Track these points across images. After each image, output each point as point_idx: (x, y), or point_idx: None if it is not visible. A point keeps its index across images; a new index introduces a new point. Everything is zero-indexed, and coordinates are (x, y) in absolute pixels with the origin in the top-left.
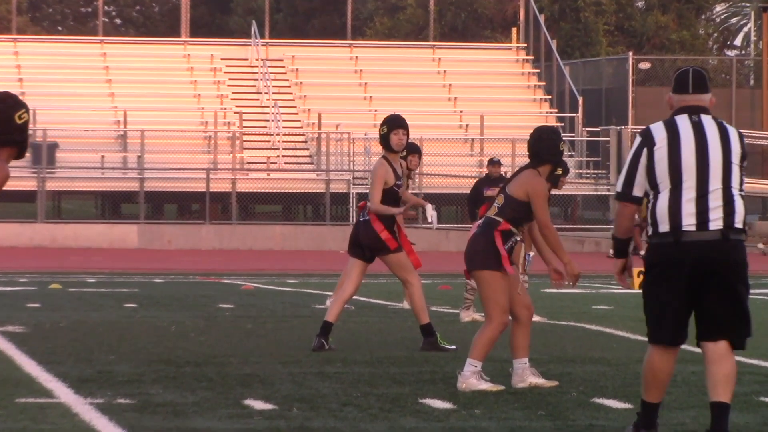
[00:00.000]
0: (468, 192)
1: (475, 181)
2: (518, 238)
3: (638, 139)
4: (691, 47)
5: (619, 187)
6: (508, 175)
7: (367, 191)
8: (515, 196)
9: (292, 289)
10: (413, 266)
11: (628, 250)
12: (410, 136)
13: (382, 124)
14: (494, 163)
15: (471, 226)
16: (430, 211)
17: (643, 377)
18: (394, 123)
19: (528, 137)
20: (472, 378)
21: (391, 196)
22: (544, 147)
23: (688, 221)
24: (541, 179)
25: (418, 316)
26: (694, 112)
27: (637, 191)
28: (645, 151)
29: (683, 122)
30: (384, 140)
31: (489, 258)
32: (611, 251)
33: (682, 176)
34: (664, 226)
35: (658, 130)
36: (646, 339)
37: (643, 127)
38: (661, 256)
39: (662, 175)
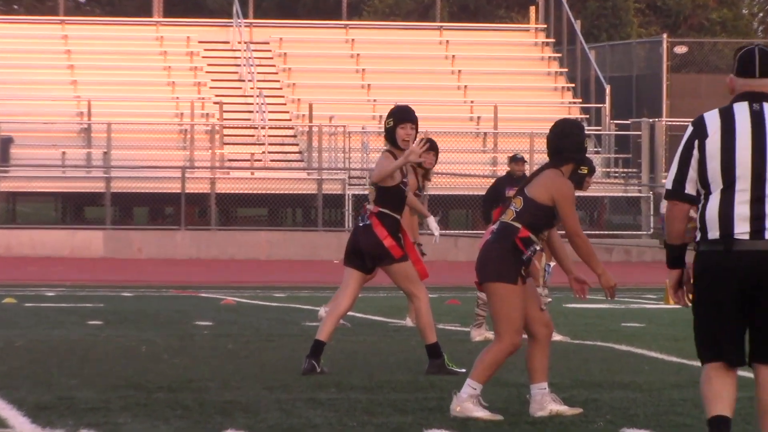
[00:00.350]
0: (483, 192)
1: (493, 180)
2: (538, 247)
3: (689, 129)
4: (733, 28)
5: (668, 184)
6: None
7: (366, 192)
8: (537, 199)
9: (279, 304)
10: (420, 277)
11: (684, 258)
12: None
13: (388, 117)
14: (517, 160)
15: (483, 232)
16: (434, 224)
17: (703, 396)
18: (402, 116)
19: (548, 132)
20: (468, 402)
21: (395, 195)
22: (567, 143)
23: (741, 228)
24: (567, 180)
25: (424, 335)
26: (757, 99)
27: (690, 188)
28: (696, 143)
29: (741, 111)
30: (389, 134)
31: (503, 268)
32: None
33: (736, 175)
34: (713, 233)
35: (712, 120)
36: (682, 360)
37: (679, 119)
38: (710, 266)
39: (714, 173)
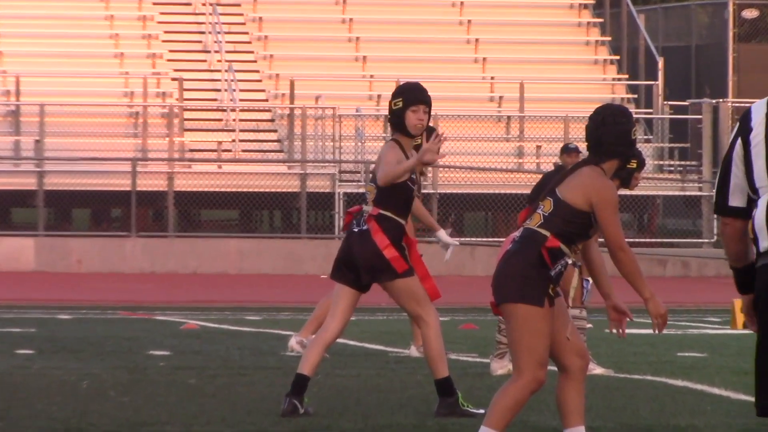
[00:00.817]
0: (505, 190)
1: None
2: (569, 261)
3: (736, 126)
4: None
5: (714, 197)
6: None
7: (361, 190)
8: (571, 203)
9: (252, 329)
10: (429, 297)
11: (751, 282)
12: None
13: (395, 96)
14: (570, 150)
15: (503, 239)
16: (447, 238)
17: None
18: (414, 96)
19: (587, 120)
20: None
21: (401, 195)
22: (609, 135)
23: None
24: (608, 181)
25: (434, 367)
26: None
27: (736, 199)
28: (740, 141)
29: None
30: (397, 118)
31: (526, 286)
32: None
33: None
34: (764, 242)
35: (759, 111)
36: (751, 398)
37: (748, 100)
38: (764, 284)
39: (760, 173)
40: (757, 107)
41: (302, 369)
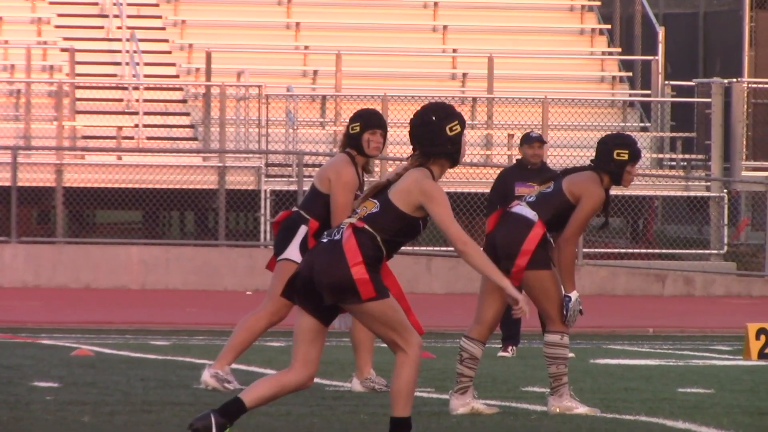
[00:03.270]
0: (469, 189)
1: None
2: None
3: None
4: None
5: None
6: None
7: (293, 188)
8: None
9: (159, 356)
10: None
11: None
12: (363, 92)
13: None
14: (532, 140)
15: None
16: None
17: None
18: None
19: (567, 95)
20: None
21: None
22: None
23: None
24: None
25: (396, 404)
26: None
27: None
28: None
29: None
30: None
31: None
32: None
33: None
34: None
35: None
36: None
37: (767, 80)
38: None
39: None
40: None
41: (245, 396)
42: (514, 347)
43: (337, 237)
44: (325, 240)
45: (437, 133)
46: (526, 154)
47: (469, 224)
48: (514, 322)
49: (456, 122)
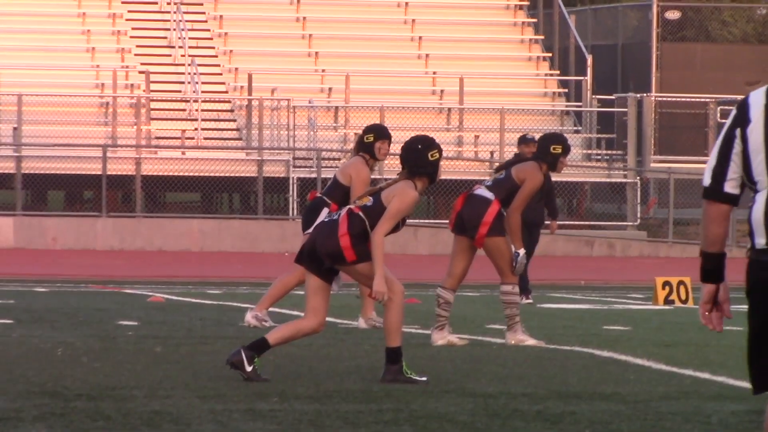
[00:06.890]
0: (446, 177)
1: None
2: None
3: (732, 112)
4: None
5: (705, 180)
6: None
7: (313, 175)
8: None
9: (213, 301)
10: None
11: (723, 270)
12: (366, 104)
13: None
14: (528, 141)
15: (446, 222)
16: None
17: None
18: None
19: (519, 106)
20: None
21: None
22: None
23: None
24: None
25: (389, 337)
26: None
27: (731, 186)
28: (738, 131)
29: None
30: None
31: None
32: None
33: None
34: (760, 239)
35: (757, 100)
36: (671, 368)
37: (670, 94)
38: (757, 279)
39: (759, 169)
40: (755, 98)
41: (269, 336)
42: (529, 296)
43: (335, 218)
44: (326, 219)
45: (421, 158)
46: (523, 151)
47: (447, 203)
48: (522, 278)
49: (436, 150)
